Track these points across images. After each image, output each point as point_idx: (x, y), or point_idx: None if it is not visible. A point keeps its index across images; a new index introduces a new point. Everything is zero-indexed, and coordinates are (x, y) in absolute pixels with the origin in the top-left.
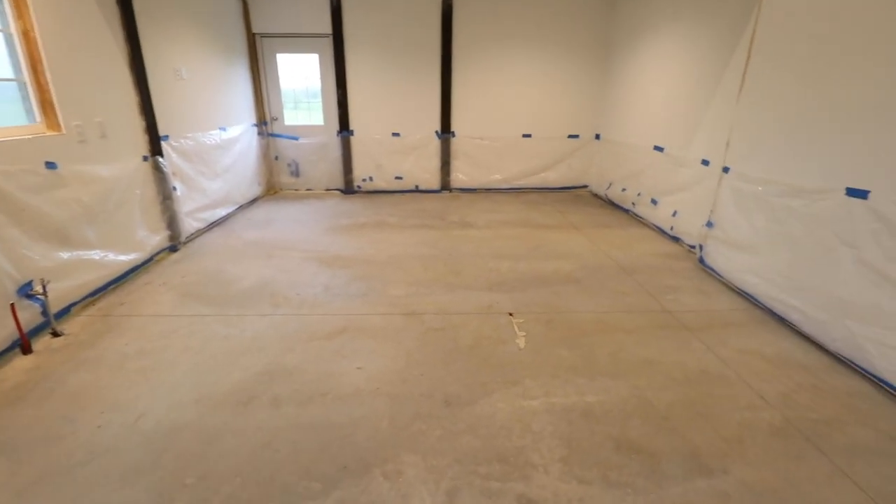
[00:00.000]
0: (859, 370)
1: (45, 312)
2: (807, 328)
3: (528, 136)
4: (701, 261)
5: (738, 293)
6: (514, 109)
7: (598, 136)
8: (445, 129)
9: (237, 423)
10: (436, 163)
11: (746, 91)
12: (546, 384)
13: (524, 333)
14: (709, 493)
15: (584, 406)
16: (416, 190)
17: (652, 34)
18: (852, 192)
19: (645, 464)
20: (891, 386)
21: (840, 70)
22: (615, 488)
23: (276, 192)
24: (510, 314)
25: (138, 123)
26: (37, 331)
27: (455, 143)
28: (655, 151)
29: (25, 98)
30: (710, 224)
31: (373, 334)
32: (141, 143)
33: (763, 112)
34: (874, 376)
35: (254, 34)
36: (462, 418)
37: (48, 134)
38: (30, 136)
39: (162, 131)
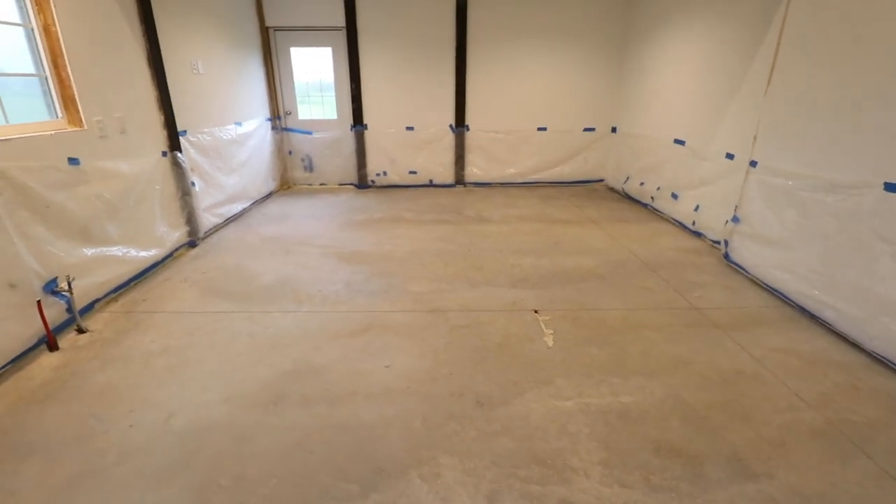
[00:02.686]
0: None
1: (69, 309)
2: (841, 326)
3: (544, 129)
4: (726, 256)
5: (766, 289)
6: (529, 102)
7: (614, 130)
8: (460, 123)
9: (268, 423)
10: (450, 157)
11: (776, 83)
12: (579, 384)
13: (552, 331)
14: (756, 499)
15: (620, 407)
16: (431, 184)
17: (671, 25)
18: (892, 188)
19: (687, 467)
20: None
21: (877, 60)
22: (659, 492)
23: (289, 187)
24: (535, 311)
25: (157, 118)
26: (62, 328)
27: (469, 136)
28: (676, 144)
29: (46, 93)
30: (736, 219)
31: (398, 332)
32: (160, 139)
33: (794, 105)
34: None
35: (267, 28)
36: (496, 419)
37: (70, 129)
38: (52, 132)
39: (180, 126)
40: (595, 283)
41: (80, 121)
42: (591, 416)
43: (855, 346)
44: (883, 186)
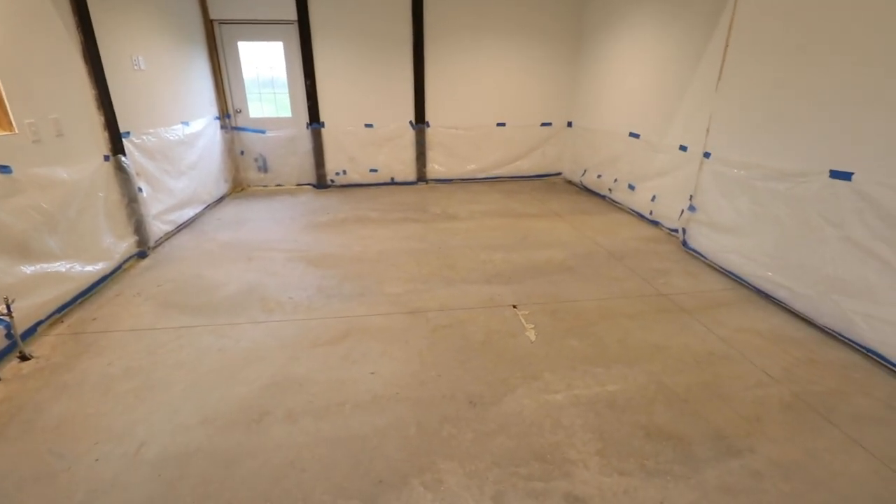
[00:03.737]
0: (849, 342)
1: (10, 334)
2: (794, 304)
3: (503, 124)
4: (684, 244)
5: (723, 273)
6: (488, 98)
7: (570, 124)
8: (420, 119)
9: (253, 443)
10: (411, 154)
11: (726, 77)
12: (566, 376)
13: (533, 325)
14: (742, 473)
15: (608, 396)
16: (392, 182)
17: (624, 21)
18: (836, 175)
19: (677, 449)
20: (880, 356)
21: (822, 54)
22: (655, 477)
23: (243, 189)
24: (514, 306)
25: (97, 119)
26: (2, 356)
27: (430, 133)
28: (631, 138)
29: None
30: (692, 208)
31: (378, 336)
32: (101, 142)
33: (744, 98)
34: (864, 347)
35: (212, 20)
36: (490, 418)
37: None
38: None
39: (122, 127)
40: (566, 275)
41: (10, 124)
42: (582, 408)
43: (807, 322)
44: (829, 174)
